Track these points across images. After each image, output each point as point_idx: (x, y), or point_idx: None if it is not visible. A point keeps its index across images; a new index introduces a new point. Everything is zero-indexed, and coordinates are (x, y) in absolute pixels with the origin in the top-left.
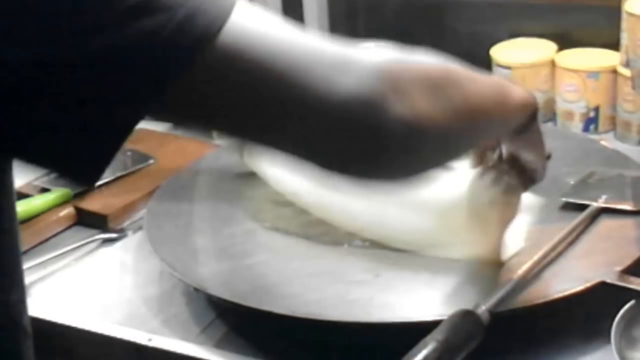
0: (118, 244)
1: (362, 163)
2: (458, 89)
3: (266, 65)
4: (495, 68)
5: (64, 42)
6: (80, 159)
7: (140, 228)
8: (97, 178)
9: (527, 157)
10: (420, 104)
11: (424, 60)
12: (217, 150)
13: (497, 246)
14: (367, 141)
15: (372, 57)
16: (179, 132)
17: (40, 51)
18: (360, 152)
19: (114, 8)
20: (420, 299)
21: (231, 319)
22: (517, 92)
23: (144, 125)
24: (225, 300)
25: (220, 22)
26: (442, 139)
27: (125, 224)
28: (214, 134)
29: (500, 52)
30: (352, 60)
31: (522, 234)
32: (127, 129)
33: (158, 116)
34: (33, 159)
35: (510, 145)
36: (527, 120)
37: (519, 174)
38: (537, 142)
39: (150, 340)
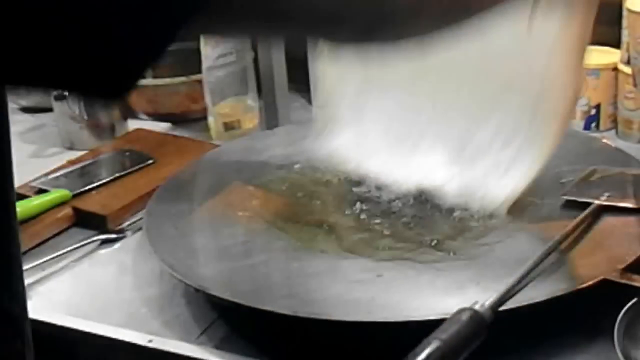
0: (117, 245)
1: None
2: None
3: None
4: None
5: None
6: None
7: (139, 228)
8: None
9: None
10: None
11: None
12: (217, 150)
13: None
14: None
15: None
16: (179, 133)
17: None
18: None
19: None
20: (422, 298)
21: (232, 320)
22: None
23: (143, 125)
24: (226, 300)
25: None
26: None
27: (125, 224)
28: None
29: None
30: None
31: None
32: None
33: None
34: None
35: None
36: None
37: None
38: None
39: (150, 341)
